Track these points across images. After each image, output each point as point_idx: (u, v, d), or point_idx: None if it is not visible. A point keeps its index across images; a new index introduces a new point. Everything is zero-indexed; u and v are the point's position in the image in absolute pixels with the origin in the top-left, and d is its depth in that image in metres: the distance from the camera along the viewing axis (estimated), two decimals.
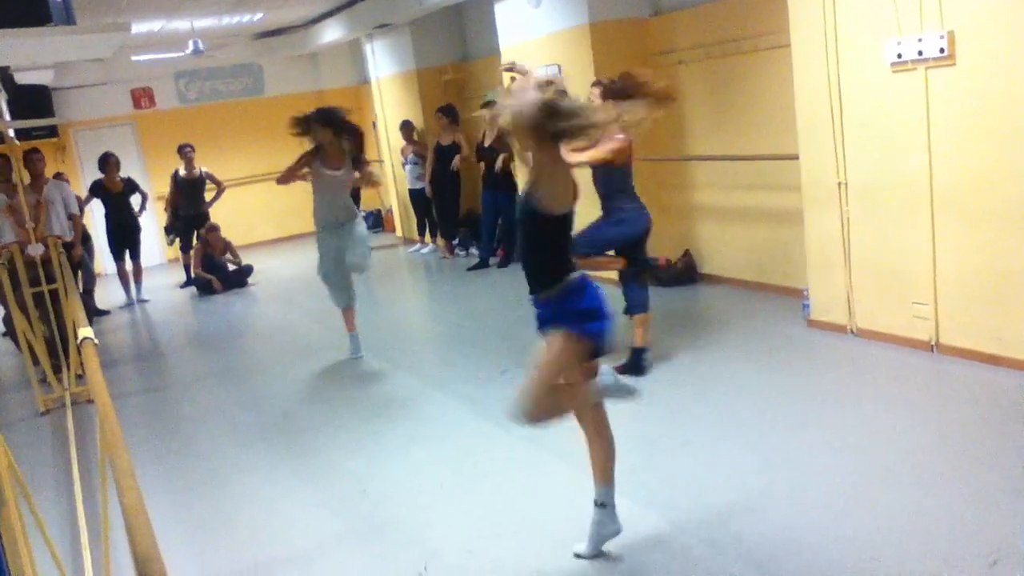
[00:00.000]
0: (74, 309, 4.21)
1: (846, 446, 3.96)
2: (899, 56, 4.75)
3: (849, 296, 5.45)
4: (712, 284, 7.37)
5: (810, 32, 5.30)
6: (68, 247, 7.61)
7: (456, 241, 10.60)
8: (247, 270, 10.62)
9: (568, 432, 3.45)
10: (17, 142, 9.33)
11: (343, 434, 5.05)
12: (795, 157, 5.71)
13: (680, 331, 6.20)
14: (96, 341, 3.16)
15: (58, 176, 9.85)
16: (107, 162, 9.78)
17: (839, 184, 5.33)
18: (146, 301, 10.26)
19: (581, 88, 7.54)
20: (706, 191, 7.33)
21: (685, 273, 7.50)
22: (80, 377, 6.56)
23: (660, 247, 7.65)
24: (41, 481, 4.85)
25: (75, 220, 8.32)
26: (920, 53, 4.63)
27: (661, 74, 7.34)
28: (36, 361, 6.77)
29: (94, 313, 9.54)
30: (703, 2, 6.86)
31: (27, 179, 7.72)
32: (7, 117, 7.45)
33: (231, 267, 10.60)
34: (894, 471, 3.65)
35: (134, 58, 11.97)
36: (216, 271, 10.36)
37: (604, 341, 3.11)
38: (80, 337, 3.10)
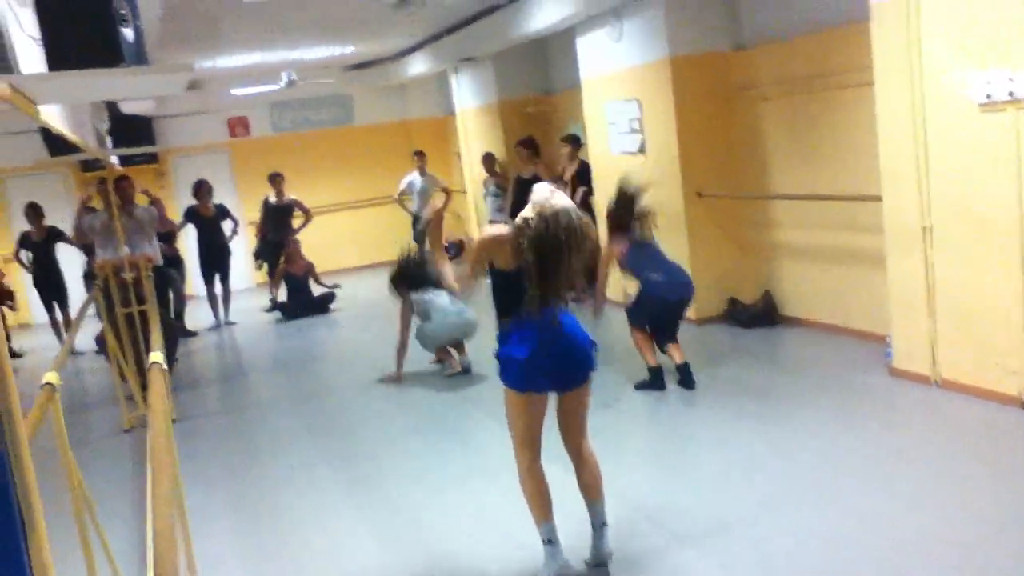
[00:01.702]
0: (151, 332, 4.35)
1: (920, 505, 3.78)
2: (988, 96, 4.56)
3: (933, 345, 5.22)
4: (792, 326, 7.17)
5: (894, 69, 5.14)
6: (156, 268, 7.92)
7: None
8: (330, 297, 10.86)
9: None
10: (119, 167, 9.82)
11: (405, 463, 5.09)
12: (878, 198, 5.53)
13: (755, 373, 6.05)
14: (164, 367, 3.27)
15: (154, 202, 10.31)
16: (200, 189, 10.18)
17: (923, 228, 5.13)
18: (233, 323, 10.58)
19: (660, 122, 7.53)
20: (787, 230, 7.16)
21: (765, 314, 7.31)
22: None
23: (739, 287, 7.53)
24: (117, 497, 5.02)
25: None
26: (1011, 94, 4.44)
27: (744, 110, 7.27)
28: (125, 379, 7.05)
29: (183, 334, 9.89)
30: (787, 37, 6.75)
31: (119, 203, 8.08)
32: (109, 144, 7.83)
33: (315, 291, 10.86)
34: (970, 538, 3.45)
35: (232, 91, 12.45)
36: (297, 293, 10.63)
37: (513, 382, 3.41)
38: (150, 361, 3.21)
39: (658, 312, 5.97)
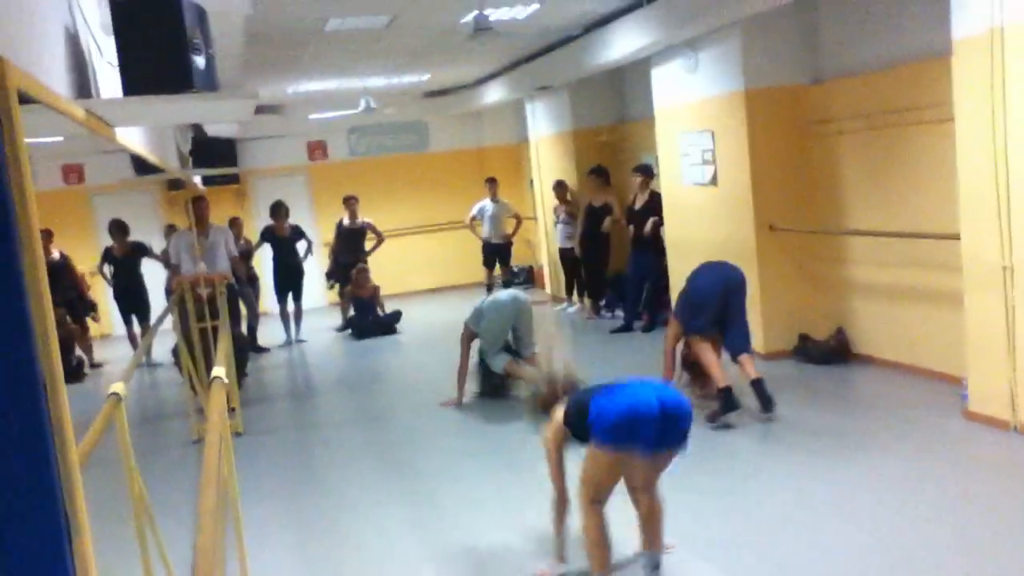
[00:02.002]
0: (220, 348, 4.48)
1: (995, 554, 3.61)
2: None
3: (1012, 389, 5.01)
4: (865, 364, 6.97)
5: (976, 105, 4.99)
6: (229, 286, 8.15)
7: (603, 302, 10.56)
8: (395, 316, 11.01)
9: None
10: (201, 187, 10.16)
11: (462, 487, 5.09)
12: (957, 236, 5.36)
13: (825, 411, 5.89)
14: (226, 381, 3.36)
15: (234, 221, 10.63)
16: (277, 210, 10.45)
17: (1004, 268, 4.94)
18: (304, 341, 10.80)
19: (733, 154, 7.45)
20: (862, 267, 6.99)
21: (837, 351, 7.12)
22: (232, 411, 6.95)
23: (810, 323, 7.36)
24: (181, 506, 5.14)
25: (234, 261, 8.91)
26: None
27: (818, 144, 7.15)
28: (196, 391, 7.25)
29: (255, 350, 10.14)
30: (866, 71, 6.62)
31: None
32: (191, 165, 8.12)
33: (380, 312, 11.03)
34: None
35: (310, 116, 12.79)
36: (364, 312, 10.82)
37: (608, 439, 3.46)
38: (212, 375, 3.30)
39: (712, 304, 5.76)
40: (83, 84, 2.32)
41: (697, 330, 5.79)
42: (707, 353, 5.72)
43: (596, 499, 3.46)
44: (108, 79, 2.47)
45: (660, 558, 3.53)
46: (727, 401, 5.56)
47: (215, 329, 7.20)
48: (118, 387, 2.89)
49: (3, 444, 1.23)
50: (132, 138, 3.66)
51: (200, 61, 2.32)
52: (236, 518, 3.45)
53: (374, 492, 5.21)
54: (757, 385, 5.59)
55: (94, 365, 10.46)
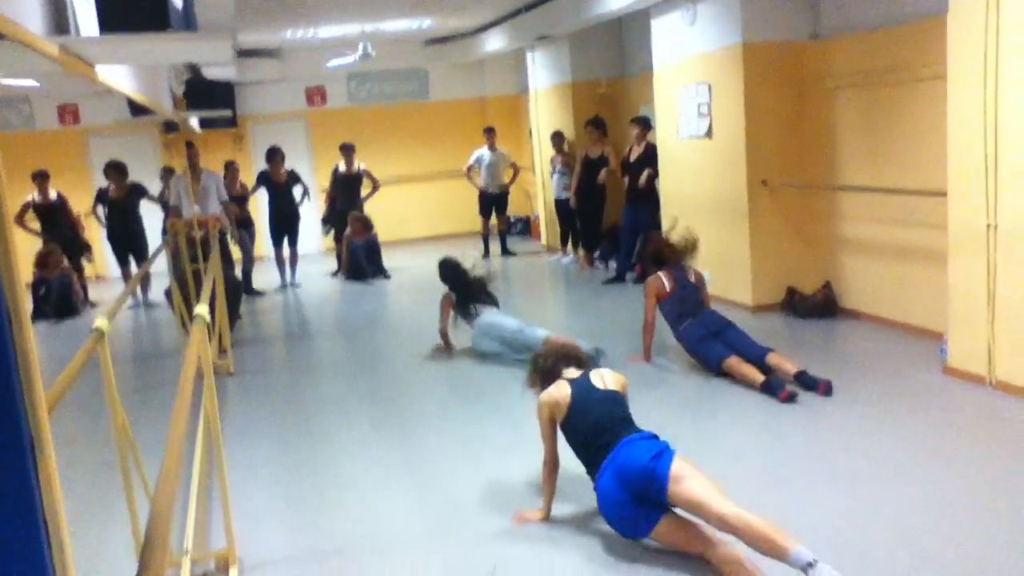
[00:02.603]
0: (205, 288, 4.55)
1: (962, 507, 3.71)
2: None
3: (990, 346, 5.09)
4: (851, 319, 7.04)
5: (969, 64, 4.98)
6: (221, 229, 8.22)
7: (596, 254, 10.60)
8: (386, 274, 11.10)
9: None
10: (199, 131, 10.14)
11: (447, 430, 5.19)
12: (944, 194, 5.39)
13: (807, 364, 5.94)
14: (208, 319, 3.42)
15: (229, 165, 10.63)
16: (273, 156, 10.45)
17: (988, 226, 4.98)
18: (298, 286, 10.88)
19: (729, 108, 7.43)
20: (852, 223, 7.02)
21: (824, 305, 7.19)
22: (223, 352, 7.05)
23: (799, 277, 7.42)
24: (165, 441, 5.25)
25: (225, 206, 8.93)
26: None
27: (815, 100, 7.13)
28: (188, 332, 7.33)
29: (250, 293, 10.22)
30: (865, 28, 6.58)
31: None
32: (185, 108, 8.10)
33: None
34: (1018, 540, 3.39)
35: (311, 61, 12.69)
36: (359, 257, 10.89)
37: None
38: (195, 313, 3.36)
39: (710, 335, 5.80)
40: (60, 22, 2.33)
41: (716, 355, 5.70)
42: (741, 366, 5.55)
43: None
44: (88, 19, 2.48)
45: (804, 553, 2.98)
46: (771, 388, 5.35)
47: (206, 271, 7.28)
48: (101, 323, 2.95)
49: None
50: (120, 79, 3.67)
51: (177, 1, 2.33)
52: (218, 453, 3.54)
53: (363, 433, 5.31)
54: (802, 377, 5.38)
55: (91, 305, 10.56)
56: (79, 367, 2.48)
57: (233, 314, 8.02)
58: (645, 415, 4.01)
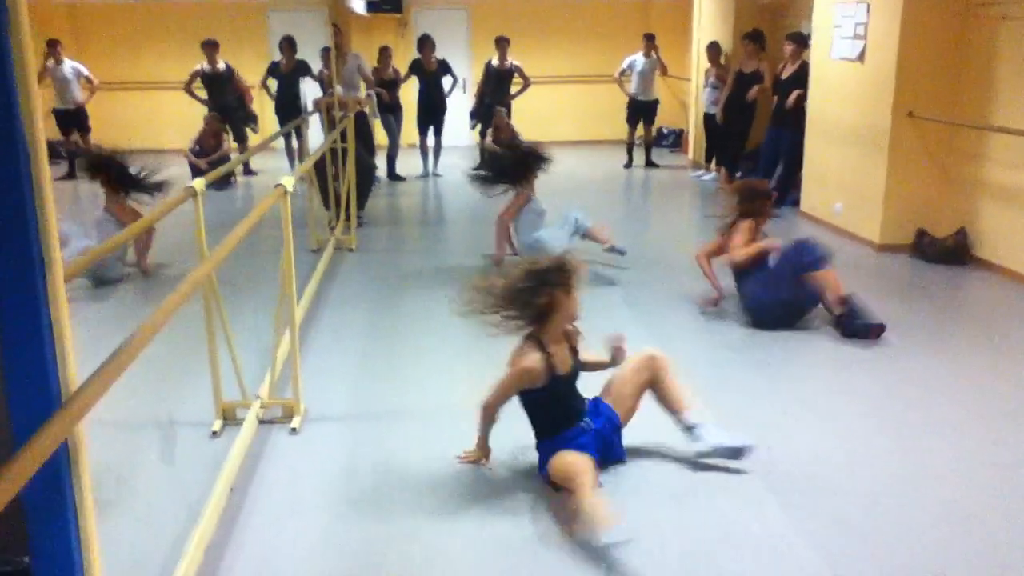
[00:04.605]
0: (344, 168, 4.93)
1: None
2: None
3: None
4: (982, 269, 6.62)
5: None
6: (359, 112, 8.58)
7: (738, 173, 10.32)
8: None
9: None
10: (363, 14, 10.45)
11: None
12: None
13: (928, 313, 5.65)
14: (289, 189, 3.73)
15: (383, 50, 10.94)
16: (424, 43, 10.67)
17: None
18: (439, 176, 11.23)
19: (885, 31, 6.95)
20: (1000, 167, 6.51)
21: (955, 252, 6.79)
22: (349, 228, 7.48)
23: (933, 219, 7.03)
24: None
25: (367, 82, 9.23)
26: None
27: (977, 28, 6.56)
28: (327, 206, 7.82)
29: (392, 178, 10.66)
30: None
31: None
32: None
33: None
34: None
35: None
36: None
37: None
38: (276, 185, 3.68)
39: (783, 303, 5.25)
40: None
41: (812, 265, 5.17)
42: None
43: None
44: None
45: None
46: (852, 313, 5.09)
47: (344, 151, 7.67)
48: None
49: None
50: None
51: None
52: (291, 312, 3.90)
53: (446, 319, 5.53)
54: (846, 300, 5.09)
55: (250, 172, 11.33)
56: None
57: (363, 195, 8.39)
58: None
